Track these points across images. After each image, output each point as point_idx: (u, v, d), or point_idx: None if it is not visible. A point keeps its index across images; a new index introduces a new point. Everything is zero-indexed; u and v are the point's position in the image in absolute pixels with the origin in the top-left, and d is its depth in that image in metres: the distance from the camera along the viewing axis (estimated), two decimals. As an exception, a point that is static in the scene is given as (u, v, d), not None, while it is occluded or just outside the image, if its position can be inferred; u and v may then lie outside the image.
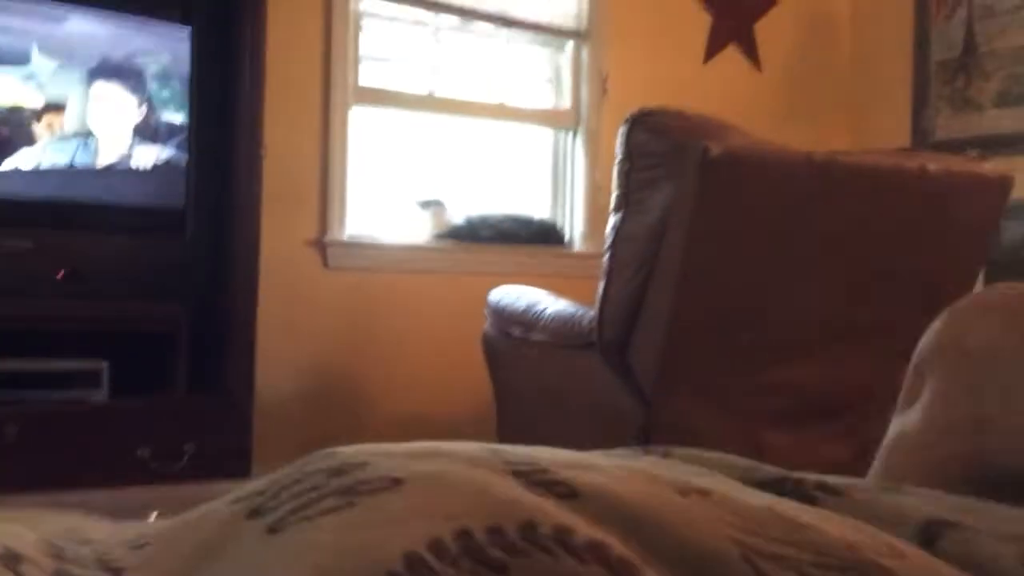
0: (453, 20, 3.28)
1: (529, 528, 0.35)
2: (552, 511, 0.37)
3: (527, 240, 3.29)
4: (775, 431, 1.91)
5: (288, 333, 2.90)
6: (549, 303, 2.25)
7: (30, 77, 2.24)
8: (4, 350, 2.18)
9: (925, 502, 0.49)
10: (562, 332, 2.13)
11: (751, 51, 3.79)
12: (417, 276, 3.14)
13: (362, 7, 3.09)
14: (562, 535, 0.35)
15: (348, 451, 0.42)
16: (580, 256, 3.40)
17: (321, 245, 3.00)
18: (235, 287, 2.42)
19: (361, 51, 3.10)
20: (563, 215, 3.51)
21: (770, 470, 0.53)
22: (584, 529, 0.36)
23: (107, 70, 2.34)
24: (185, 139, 2.41)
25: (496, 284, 2.61)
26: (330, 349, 3.01)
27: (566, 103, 3.50)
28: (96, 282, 2.29)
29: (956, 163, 2.07)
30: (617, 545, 0.36)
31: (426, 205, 3.20)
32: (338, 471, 0.39)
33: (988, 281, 2.77)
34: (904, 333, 2.17)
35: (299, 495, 0.38)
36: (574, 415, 2.15)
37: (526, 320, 2.27)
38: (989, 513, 0.48)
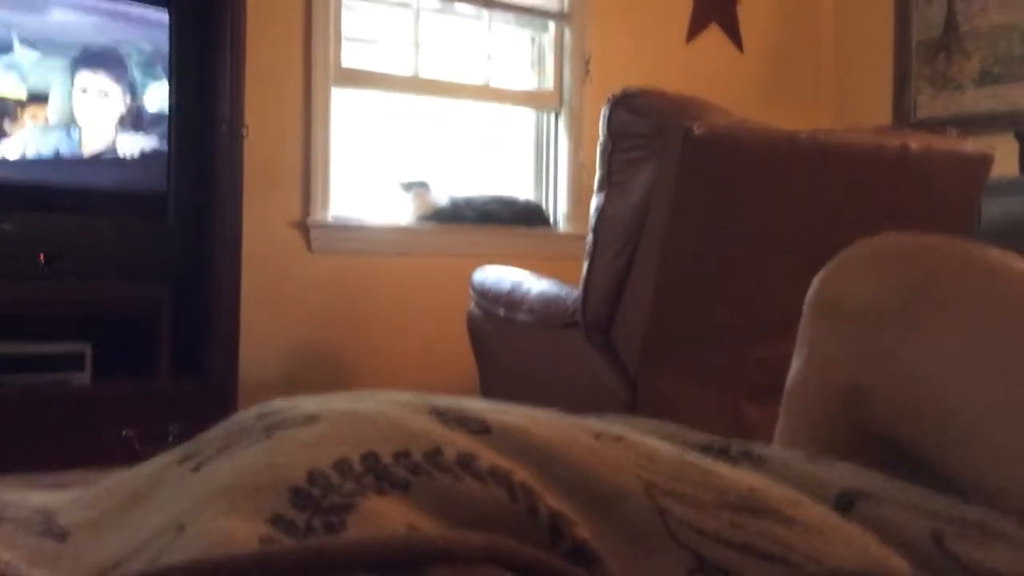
0: (434, 2, 3.27)
1: (435, 453, 0.37)
2: (461, 441, 0.38)
3: (511, 221, 3.30)
4: (755, 405, 1.92)
5: (272, 315, 2.89)
6: (533, 283, 2.26)
7: (11, 67, 2.22)
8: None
9: (843, 473, 0.50)
10: (546, 312, 2.14)
11: (733, 31, 3.79)
12: (401, 258, 3.14)
13: (343, -13, 3.07)
14: (466, 460, 0.36)
15: (281, 400, 0.43)
16: (564, 237, 3.40)
17: (304, 227, 2.99)
18: (218, 270, 2.41)
19: (343, 32, 3.09)
20: (547, 196, 3.51)
21: (699, 436, 0.54)
22: (489, 457, 0.37)
23: (90, 59, 2.32)
24: (167, 126, 2.40)
25: (481, 265, 2.61)
26: (314, 331, 3.01)
27: (549, 84, 3.49)
28: (79, 265, 2.28)
29: (937, 141, 2.09)
30: (520, 472, 0.37)
31: (409, 187, 3.19)
32: (265, 415, 0.41)
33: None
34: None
35: (225, 438, 0.39)
36: (559, 394, 2.16)
37: (510, 300, 2.27)
38: (904, 489, 0.48)
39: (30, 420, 2.12)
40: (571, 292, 2.09)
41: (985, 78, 3.50)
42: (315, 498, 0.33)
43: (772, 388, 2.24)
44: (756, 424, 1.81)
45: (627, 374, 1.93)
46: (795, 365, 0.64)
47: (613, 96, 1.95)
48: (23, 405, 2.12)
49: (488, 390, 2.48)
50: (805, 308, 0.65)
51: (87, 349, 2.24)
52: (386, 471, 0.35)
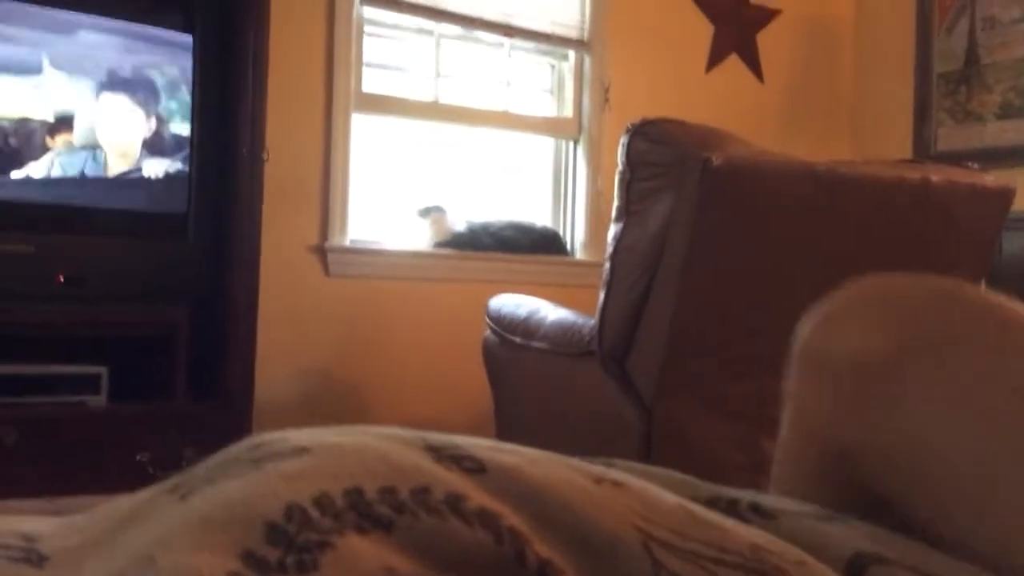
0: (456, 29, 3.29)
1: (422, 492, 0.35)
2: (452, 480, 0.37)
3: (528, 248, 3.30)
4: (774, 440, 1.90)
5: (288, 339, 2.90)
6: (549, 311, 2.25)
7: (39, 88, 2.25)
8: (3, 354, 2.18)
9: (855, 533, 0.48)
10: (562, 340, 2.13)
11: (753, 61, 3.80)
12: (418, 283, 3.14)
13: (365, 14, 3.10)
14: (454, 500, 0.35)
15: (278, 432, 0.42)
16: (581, 265, 3.40)
17: (322, 251, 3.00)
18: (236, 292, 2.42)
19: (364, 59, 3.11)
20: (564, 224, 3.51)
21: (708, 488, 0.52)
22: (479, 498, 0.36)
23: (115, 82, 2.34)
24: (190, 148, 2.42)
25: (497, 292, 2.61)
26: (330, 355, 3.01)
27: (568, 112, 3.50)
28: (96, 286, 2.29)
29: (958, 174, 2.07)
30: (510, 516, 0.35)
31: (425, 212, 3.20)
32: (256, 447, 0.40)
33: (989, 293, 2.76)
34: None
35: (214, 468, 0.39)
36: (574, 423, 2.15)
37: (526, 328, 2.27)
38: (925, 555, 0.46)
39: (45, 442, 2.12)
40: (587, 321, 2.08)
41: (1007, 111, 3.48)
42: (290, 534, 0.32)
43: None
44: (775, 459, 1.79)
45: (643, 404, 1.92)
46: (784, 418, 0.61)
47: (632, 125, 1.95)
48: (38, 427, 2.12)
49: (503, 417, 2.47)
50: (791, 358, 0.60)
51: (103, 371, 2.24)
52: (369, 508, 0.34)
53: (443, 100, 3.28)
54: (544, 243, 3.36)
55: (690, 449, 1.86)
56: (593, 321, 2.03)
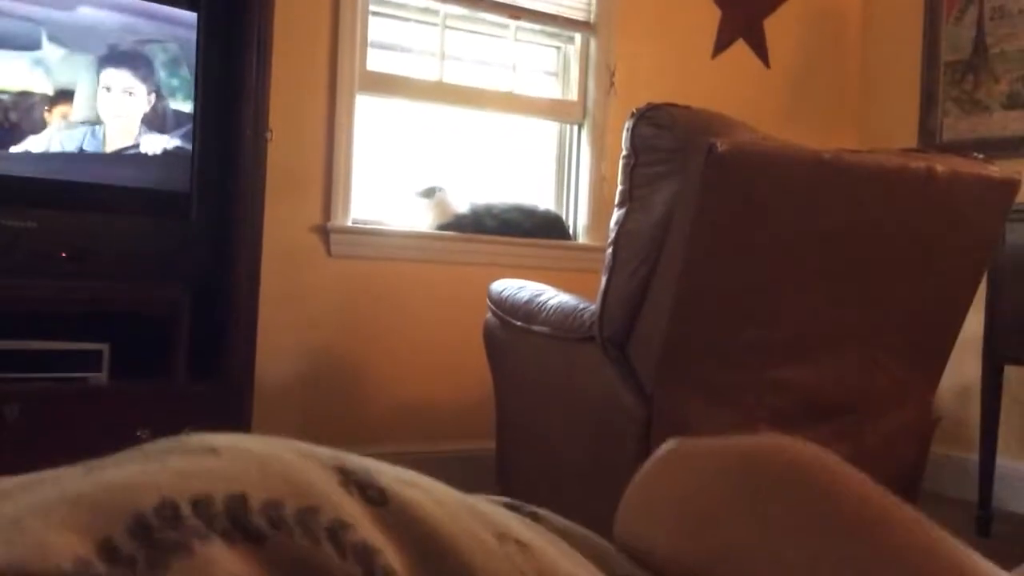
0: (461, 10, 3.28)
1: (309, 512, 0.35)
2: (345, 507, 0.36)
3: (531, 231, 3.29)
4: (774, 429, 1.91)
5: (290, 319, 2.90)
6: (551, 295, 2.25)
7: (39, 63, 2.24)
8: (5, 330, 2.18)
9: None
10: (563, 325, 2.13)
11: (760, 47, 3.78)
12: (420, 265, 3.14)
13: (371, -6, 3.09)
14: (337, 527, 0.34)
15: (207, 435, 0.41)
16: (583, 249, 3.39)
17: (324, 232, 3.00)
18: (238, 271, 2.42)
19: (369, 39, 3.10)
20: (567, 208, 3.51)
21: (624, 565, 0.51)
22: (366, 532, 0.35)
23: (116, 58, 2.33)
24: (192, 126, 2.41)
25: (499, 275, 2.61)
26: (331, 335, 3.01)
27: (573, 95, 3.49)
28: (98, 263, 2.29)
29: (963, 164, 2.07)
30: (392, 554, 0.35)
31: (428, 193, 3.19)
32: (179, 441, 0.39)
33: (991, 284, 2.76)
34: (906, 335, 2.17)
35: (132, 453, 0.38)
36: (573, 408, 2.15)
37: (528, 311, 2.27)
38: None
39: (46, 418, 2.12)
40: (589, 306, 2.08)
41: (1014, 101, 3.47)
42: (152, 530, 0.31)
43: (791, 413, 2.23)
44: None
45: (643, 390, 1.92)
46: None
47: (637, 110, 1.94)
48: (40, 403, 2.13)
49: (502, 400, 2.48)
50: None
51: (105, 348, 2.25)
52: (246, 518, 0.33)
53: (447, 81, 3.26)
54: (547, 227, 3.36)
55: (689, 435, 1.86)
56: (594, 306, 2.03)
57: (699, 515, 0.52)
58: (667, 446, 0.57)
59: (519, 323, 2.29)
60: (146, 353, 2.36)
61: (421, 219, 3.19)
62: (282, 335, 2.85)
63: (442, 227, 3.18)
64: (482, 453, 2.65)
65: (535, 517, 0.48)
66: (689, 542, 0.51)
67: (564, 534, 0.50)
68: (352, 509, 0.36)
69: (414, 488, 0.40)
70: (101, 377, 2.24)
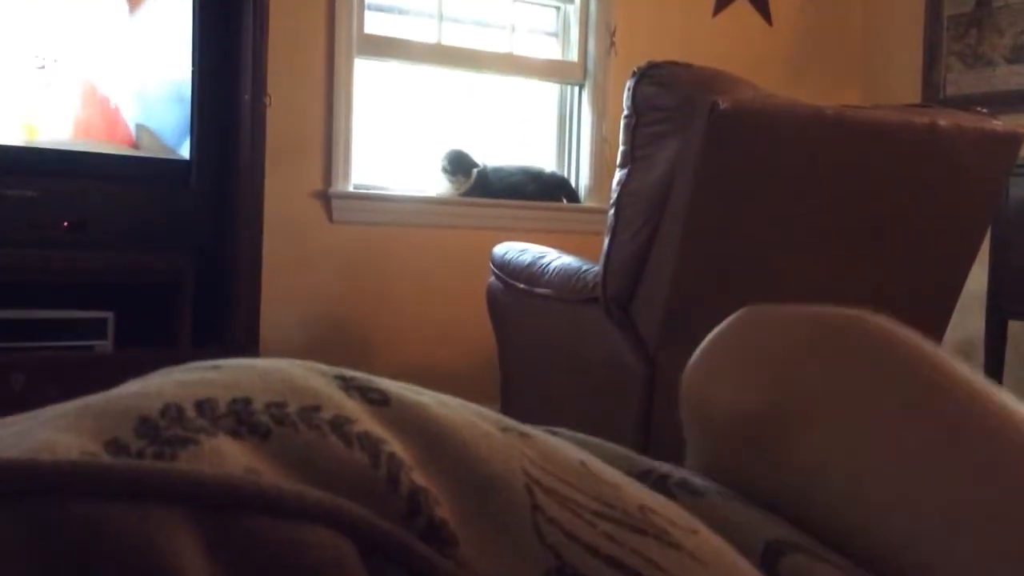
0: (459, -30, 3.24)
1: (312, 409, 0.35)
2: (347, 405, 0.37)
3: (539, 194, 3.28)
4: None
5: (293, 285, 2.90)
6: (554, 258, 2.25)
7: (31, 29, 2.22)
8: (10, 300, 2.18)
9: (777, 522, 0.48)
10: (566, 286, 2.13)
11: (762, 4, 3.74)
12: (422, 229, 3.13)
13: (367, -44, 3.05)
14: (341, 421, 0.35)
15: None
16: (586, 211, 3.39)
17: (326, 197, 2.99)
18: (240, 239, 2.41)
19: (366, 1, 3.07)
20: (569, 170, 3.49)
21: (645, 462, 0.52)
22: (368, 424, 0.36)
23: (113, 26, 2.31)
24: (191, 93, 2.39)
25: (501, 239, 2.60)
26: (335, 301, 3.02)
27: (573, 56, 3.46)
28: (101, 232, 2.29)
29: (966, 119, 2.05)
30: (395, 444, 0.36)
31: (453, 168, 3.13)
32: (187, 365, 0.40)
33: (995, 239, 2.76)
34: (910, 291, 2.17)
35: (133, 380, 0.39)
36: (577, 369, 2.16)
37: (531, 274, 2.27)
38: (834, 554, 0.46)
39: (53, 386, 2.13)
40: (592, 267, 2.08)
41: (1017, 55, 3.44)
42: (159, 428, 0.32)
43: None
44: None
45: (646, 350, 1.92)
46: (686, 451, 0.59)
47: (638, 69, 1.93)
48: (47, 371, 2.14)
49: (507, 363, 2.48)
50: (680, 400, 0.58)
51: (110, 317, 2.25)
52: (250, 417, 0.34)
53: (446, 43, 3.24)
54: (555, 188, 3.35)
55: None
56: (597, 267, 2.03)
57: (770, 372, 0.53)
58: (741, 312, 0.57)
59: (522, 286, 2.29)
60: (151, 321, 2.37)
61: (438, 187, 3.15)
62: (286, 301, 2.85)
63: (466, 194, 3.16)
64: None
65: (552, 433, 0.49)
66: (756, 395, 0.52)
67: (580, 443, 0.51)
68: (354, 407, 0.37)
69: (417, 394, 0.41)
70: (106, 345, 2.25)
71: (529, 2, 3.43)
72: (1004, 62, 3.47)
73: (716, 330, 0.57)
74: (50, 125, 2.25)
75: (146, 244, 2.37)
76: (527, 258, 2.32)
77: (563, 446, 0.43)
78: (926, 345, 0.52)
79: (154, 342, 2.35)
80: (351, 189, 3.03)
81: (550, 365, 2.28)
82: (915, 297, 2.14)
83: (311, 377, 0.38)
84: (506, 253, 2.42)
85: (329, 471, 0.33)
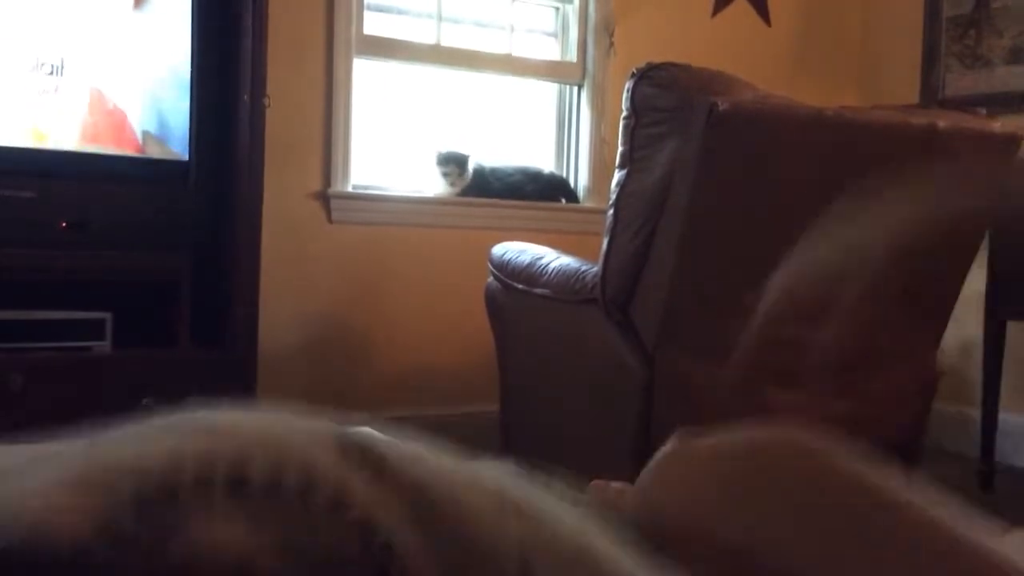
0: (458, -30, 3.24)
1: (307, 487, 0.35)
2: (341, 479, 0.37)
3: (537, 195, 3.28)
4: (779, 389, 1.91)
5: (292, 286, 2.90)
6: (552, 258, 2.25)
7: (28, 30, 2.22)
8: (8, 300, 2.18)
9: None
10: (565, 287, 2.13)
11: (760, 5, 3.74)
12: (421, 230, 3.13)
13: (366, -44, 3.05)
14: (335, 504, 0.35)
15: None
16: (584, 211, 3.38)
17: (325, 198, 2.99)
18: (239, 238, 2.41)
19: (365, 1, 3.07)
20: (568, 171, 3.49)
21: (633, 532, 0.51)
22: (362, 504, 0.36)
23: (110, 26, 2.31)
24: (189, 91, 2.39)
25: (500, 239, 2.60)
26: (333, 301, 3.02)
27: (572, 57, 3.46)
28: (99, 233, 2.29)
29: (965, 120, 2.05)
30: (390, 530, 0.36)
31: (446, 162, 3.12)
32: (177, 417, 0.40)
33: (993, 240, 2.76)
34: (908, 291, 2.16)
35: (131, 430, 0.39)
36: (576, 370, 2.16)
37: (529, 274, 2.27)
38: None
39: (52, 387, 2.13)
40: (591, 268, 2.08)
41: (1016, 56, 3.44)
42: (153, 508, 0.32)
43: (797, 371, 2.22)
44: (780, 409, 1.80)
45: (645, 351, 1.92)
46: None
47: (637, 69, 1.93)
48: (44, 372, 2.13)
49: (505, 363, 2.48)
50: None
51: (108, 317, 2.25)
52: (245, 496, 0.34)
53: (445, 44, 3.24)
54: (553, 189, 3.35)
55: (691, 398, 1.87)
56: (596, 268, 2.03)
57: (708, 524, 0.52)
58: (668, 451, 0.57)
59: (521, 286, 2.29)
60: (149, 322, 2.37)
61: (434, 186, 3.15)
62: (284, 301, 2.85)
63: (463, 192, 3.16)
64: (486, 416, 2.66)
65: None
66: (699, 544, 0.52)
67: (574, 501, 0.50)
68: (352, 483, 0.37)
69: (415, 461, 0.40)
70: (105, 346, 2.24)
71: (528, 2, 3.42)
72: (1003, 63, 3.47)
73: (647, 471, 0.56)
74: (57, 130, 2.25)
75: (145, 244, 2.37)
76: (526, 259, 2.32)
77: (561, 522, 0.43)
78: (856, 466, 0.52)
79: (153, 342, 2.35)
80: (350, 189, 3.03)
81: (549, 365, 2.27)
82: (915, 297, 2.14)
83: (310, 446, 0.38)
84: (505, 253, 2.42)
85: (319, 557, 0.34)
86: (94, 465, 0.35)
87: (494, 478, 0.43)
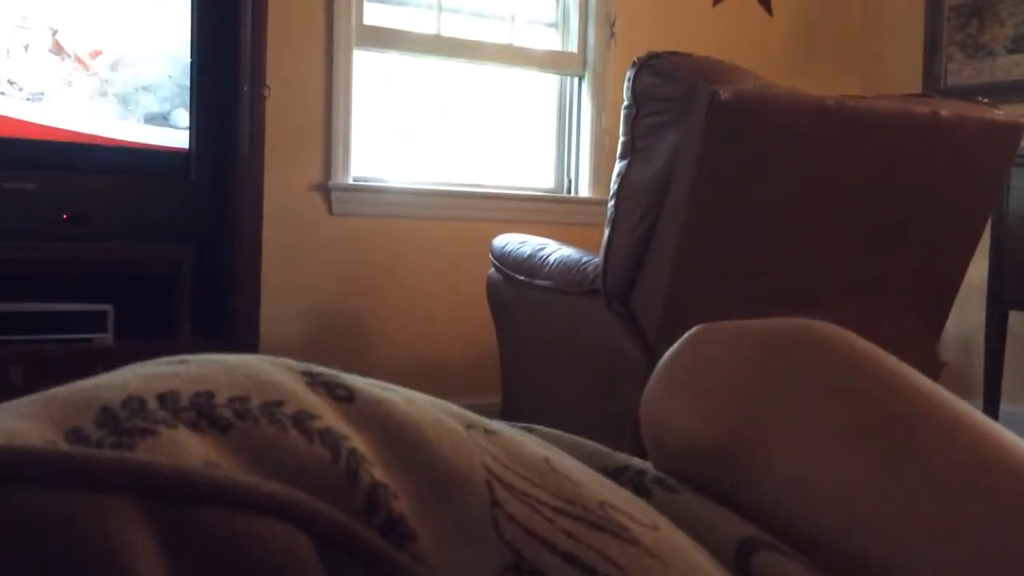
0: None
1: (275, 404, 0.35)
2: (310, 401, 0.37)
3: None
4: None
5: (293, 277, 2.90)
6: (554, 249, 2.24)
7: (27, 17, 2.21)
8: (9, 292, 2.18)
9: (751, 523, 0.48)
10: (566, 278, 2.12)
11: (761, -6, 3.73)
12: (422, 221, 3.13)
13: (366, -53, 3.04)
14: (303, 416, 0.35)
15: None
16: (586, 203, 3.38)
17: (325, 189, 2.99)
18: (240, 231, 2.41)
19: (365, -8, 3.06)
20: (569, 161, 3.48)
21: (618, 458, 0.52)
22: (331, 420, 0.36)
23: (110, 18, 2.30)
24: (189, 84, 2.39)
25: (501, 230, 2.60)
26: (335, 293, 3.02)
27: (573, 47, 3.45)
28: (100, 224, 2.28)
29: (968, 109, 2.05)
30: (357, 440, 0.36)
31: None
32: (157, 360, 0.40)
33: (996, 230, 2.75)
34: (910, 282, 2.16)
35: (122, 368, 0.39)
36: (578, 361, 2.15)
37: (530, 266, 2.26)
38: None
39: (53, 379, 2.12)
40: (592, 259, 2.07)
41: (1018, 45, 3.43)
42: (120, 419, 0.32)
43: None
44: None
45: (647, 343, 1.92)
46: None
47: (638, 59, 1.92)
48: (46, 364, 2.13)
49: (507, 355, 2.48)
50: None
51: (109, 309, 2.25)
52: (212, 410, 0.34)
53: (445, 34, 3.23)
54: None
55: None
56: (597, 259, 2.02)
57: (722, 400, 0.52)
58: (692, 331, 0.56)
59: (522, 278, 2.29)
60: (151, 314, 2.36)
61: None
62: (285, 293, 2.85)
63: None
64: (488, 408, 2.66)
65: (529, 430, 0.49)
66: (710, 424, 0.51)
67: (556, 440, 0.51)
68: (318, 403, 0.37)
69: (384, 391, 0.41)
70: (107, 338, 2.24)
71: (529, -7, 3.41)
72: (1005, 52, 3.46)
73: (668, 353, 0.56)
74: (55, 118, 2.25)
75: (146, 236, 2.37)
76: (527, 250, 2.32)
77: (529, 443, 0.43)
78: (875, 353, 0.52)
79: (154, 334, 2.35)
80: (351, 181, 3.03)
81: (551, 357, 2.27)
82: (916, 288, 2.13)
83: (277, 373, 0.38)
84: (506, 245, 2.41)
85: (288, 466, 0.33)
86: (63, 388, 0.35)
87: (464, 411, 0.44)
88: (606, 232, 1.99)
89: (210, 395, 0.35)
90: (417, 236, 3.11)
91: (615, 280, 1.97)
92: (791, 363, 0.51)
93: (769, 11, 3.74)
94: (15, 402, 0.35)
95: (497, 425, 0.44)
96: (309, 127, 2.96)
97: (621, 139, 1.96)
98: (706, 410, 0.52)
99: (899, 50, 3.80)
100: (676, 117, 1.85)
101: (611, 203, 1.98)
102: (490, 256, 2.48)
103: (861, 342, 0.52)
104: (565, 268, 2.14)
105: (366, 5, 3.06)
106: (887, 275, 2.08)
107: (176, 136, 2.38)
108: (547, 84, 3.48)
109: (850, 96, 2.01)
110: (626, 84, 1.93)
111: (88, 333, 2.23)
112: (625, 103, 1.94)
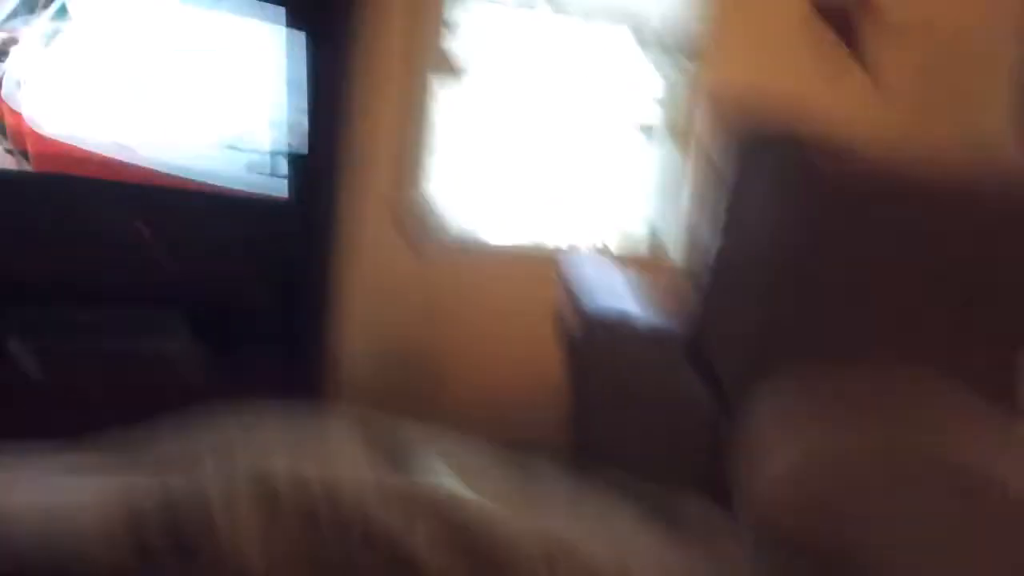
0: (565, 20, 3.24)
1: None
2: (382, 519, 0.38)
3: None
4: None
5: (370, 304, 2.91)
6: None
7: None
8: (82, 299, 2.23)
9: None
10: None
11: (871, 68, 3.65)
12: (498, 255, 3.14)
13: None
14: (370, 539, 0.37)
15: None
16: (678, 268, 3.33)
17: (409, 219, 3.00)
18: (317, 252, 2.44)
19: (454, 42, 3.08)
20: (664, 225, 3.46)
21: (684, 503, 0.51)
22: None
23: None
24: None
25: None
26: (413, 323, 3.03)
27: (672, 112, 3.45)
28: (178, 236, 2.33)
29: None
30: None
31: None
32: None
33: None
34: (1002, 378, 2.05)
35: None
36: (649, 406, 2.11)
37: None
38: None
39: (125, 387, 2.16)
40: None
41: None
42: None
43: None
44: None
45: (722, 391, 1.88)
46: None
47: (738, 129, 1.91)
48: (114, 372, 2.17)
49: (578, 396, 2.44)
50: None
51: (184, 319, 2.29)
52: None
53: (540, 88, 3.25)
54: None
55: (767, 441, 1.81)
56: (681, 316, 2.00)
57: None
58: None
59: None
60: (223, 326, 2.39)
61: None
62: (363, 319, 2.85)
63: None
64: (554, 445, 2.61)
65: (595, 472, 0.49)
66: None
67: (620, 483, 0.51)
68: (388, 521, 0.38)
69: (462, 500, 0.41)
70: (180, 347, 2.27)
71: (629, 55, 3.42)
72: None
73: (781, 443, 0.56)
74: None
75: (223, 252, 2.40)
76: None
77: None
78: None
79: (228, 347, 2.36)
80: (436, 213, 3.04)
81: (623, 401, 2.23)
82: (1006, 385, 2.03)
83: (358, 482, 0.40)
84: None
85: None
86: (124, 487, 0.37)
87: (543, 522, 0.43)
88: (693, 296, 1.96)
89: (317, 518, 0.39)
90: (503, 270, 3.10)
91: (695, 334, 1.94)
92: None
93: (878, 86, 3.64)
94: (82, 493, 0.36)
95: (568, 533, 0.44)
96: (394, 155, 2.96)
97: (713, 204, 1.94)
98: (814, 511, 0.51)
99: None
100: (771, 187, 1.82)
101: (700, 268, 1.95)
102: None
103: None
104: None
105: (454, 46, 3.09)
106: (979, 366, 1.99)
107: (274, 184, 2.42)
108: (647, 146, 3.45)
109: (964, 178, 1.93)
110: (721, 152, 1.92)
111: (162, 343, 2.26)
112: (718, 170, 1.93)
